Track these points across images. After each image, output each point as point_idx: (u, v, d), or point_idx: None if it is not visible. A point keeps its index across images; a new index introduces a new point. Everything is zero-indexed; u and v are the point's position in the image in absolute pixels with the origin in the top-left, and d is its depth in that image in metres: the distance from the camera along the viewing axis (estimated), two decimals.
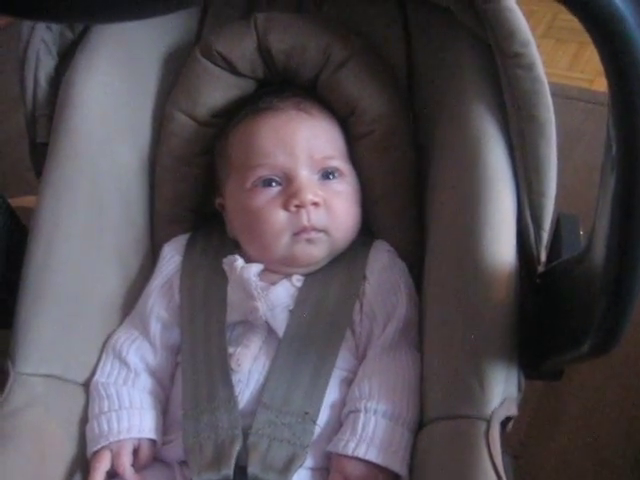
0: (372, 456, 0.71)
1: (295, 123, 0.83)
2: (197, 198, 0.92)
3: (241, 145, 0.84)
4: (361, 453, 0.72)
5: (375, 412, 0.74)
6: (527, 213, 0.75)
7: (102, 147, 0.84)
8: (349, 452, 0.72)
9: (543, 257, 0.78)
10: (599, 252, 0.56)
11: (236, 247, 0.87)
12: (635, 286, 0.53)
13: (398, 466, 0.72)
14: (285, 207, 0.80)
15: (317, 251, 0.82)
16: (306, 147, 0.82)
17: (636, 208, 0.49)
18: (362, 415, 0.74)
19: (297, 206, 0.79)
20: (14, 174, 1.28)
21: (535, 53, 0.71)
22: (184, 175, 0.90)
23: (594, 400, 1.22)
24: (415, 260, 0.86)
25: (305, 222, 0.80)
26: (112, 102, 0.85)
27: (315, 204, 0.80)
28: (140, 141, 0.89)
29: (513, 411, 0.71)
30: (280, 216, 0.80)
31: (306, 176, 0.80)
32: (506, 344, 0.71)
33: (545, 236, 0.77)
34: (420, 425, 0.75)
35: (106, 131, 0.85)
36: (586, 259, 0.62)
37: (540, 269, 0.78)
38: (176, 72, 0.91)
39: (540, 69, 0.72)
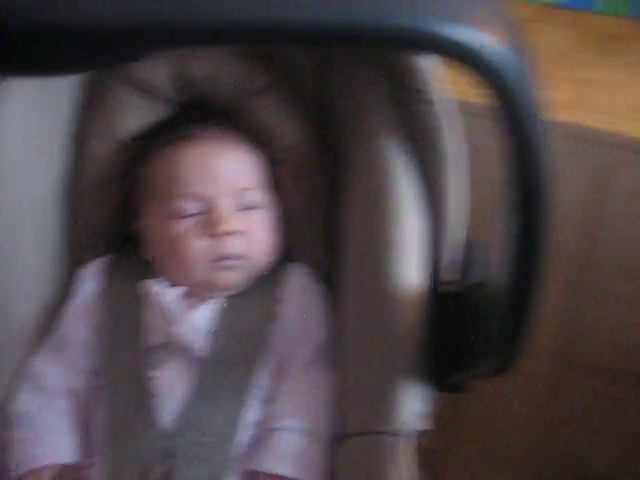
0: (290, 472, 0.75)
1: (217, 153, 0.85)
2: (115, 222, 0.92)
3: (162, 172, 0.86)
4: (279, 470, 0.75)
5: (292, 430, 0.77)
6: (432, 239, 0.80)
7: (18, 173, 0.83)
8: (268, 469, 0.75)
9: (449, 279, 0.83)
10: (500, 280, 0.61)
11: (153, 270, 0.88)
12: (531, 316, 0.58)
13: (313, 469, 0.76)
14: (206, 235, 0.81)
15: (235, 277, 0.84)
16: (227, 177, 0.84)
17: (536, 247, 0.54)
18: (280, 433, 0.77)
19: (215, 235, 0.81)
20: None
21: (435, 91, 0.76)
22: (102, 199, 0.90)
23: (498, 403, 1.28)
24: (331, 281, 0.89)
25: (223, 250, 0.82)
26: (29, 128, 0.84)
27: (233, 233, 0.82)
28: (57, 167, 0.89)
29: (422, 424, 0.76)
30: (199, 244, 0.82)
31: (226, 206, 0.83)
32: (414, 362, 0.75)
33: (446, 259, 0.82)
34: (339, 440, 0.79)
35: (22, 158, 0.84)
36: (488, 286, 0.68)
37: (446, 289, 0.83)
38: (90, 97, 0.91)
39: (440, 105, 0.76)
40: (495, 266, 0.67)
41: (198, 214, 0.83)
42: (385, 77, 0.80)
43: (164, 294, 0.82)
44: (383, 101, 0.81)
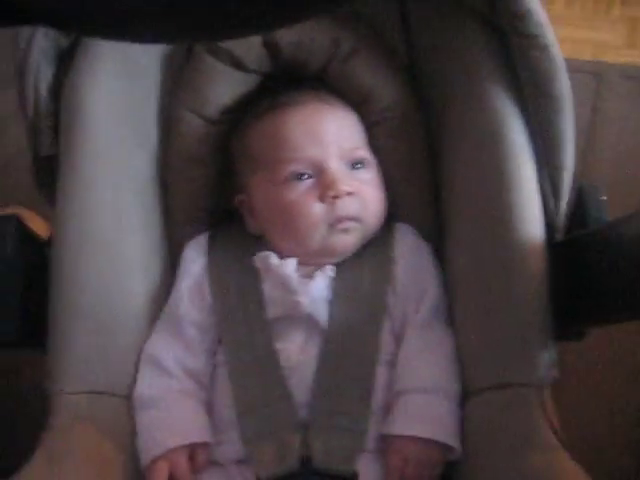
0: (426, 433, 0.74)
1: (321, 115, 0.84)
2: (211, 197, 0.91)
3: (266, 140, 0.84)
4: (415, 432, 0.75)
5: (421, 390, 0.77)
6: (546, 186, 0.79)
7: (117, 150, 0.83)
8: (404, 432, 0.75)
9: (561, 226, 0.82)
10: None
11: (257, 243, 0.87)
12: None
13: (452, 439, 0.75)
14: (320, 199, 0.81)
15: (352, 240, 0.83)
16: (334, 138, 0.83)
17: None
18: (410, 395, 0.77)
19: (334, 197, 0.80)
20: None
21: (549, 34, 0.75)
22: (197, 175, 0.89)
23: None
24: (436, 239, 0.88)
25: (341, 212, 0.81)
26: (118, 105, 0.83)
27: (349, 194, 0.81)
28: (149, 143, 0.88)
29: (553, 373, 0.76)
30: (316, 208, 0.81)
31: (337, 167, 0.82)
32: (545, 310, 0.75)
33: (563, 207, 0.82)
34: (465, 396, 0.78)
35: (118, 134, 0.83)
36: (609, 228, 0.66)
37: (559, 238, 0.82)
38: (177, 71, 0.89)
39: (555, 48, 0.75)
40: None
41: (309, 178, 0.82)
42: (488, 24, 0.79)
43: (284, 266, 0.82)
44: (488, 48, 0.80)
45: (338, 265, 0.84)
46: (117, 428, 0.78)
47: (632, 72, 1.51)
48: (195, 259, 0.87)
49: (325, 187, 0.81)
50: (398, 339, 0.82)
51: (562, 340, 0.84)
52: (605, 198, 0.80)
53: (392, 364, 0.80)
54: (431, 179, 0.89)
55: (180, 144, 0.88)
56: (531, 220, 0.77)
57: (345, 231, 0.82)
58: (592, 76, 1.51)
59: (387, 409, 0.78)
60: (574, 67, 1.58)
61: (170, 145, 0.89)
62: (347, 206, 0.81)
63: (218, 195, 0.91)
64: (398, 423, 0.76)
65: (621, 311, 0.70)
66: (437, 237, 0.88)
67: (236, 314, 0.82)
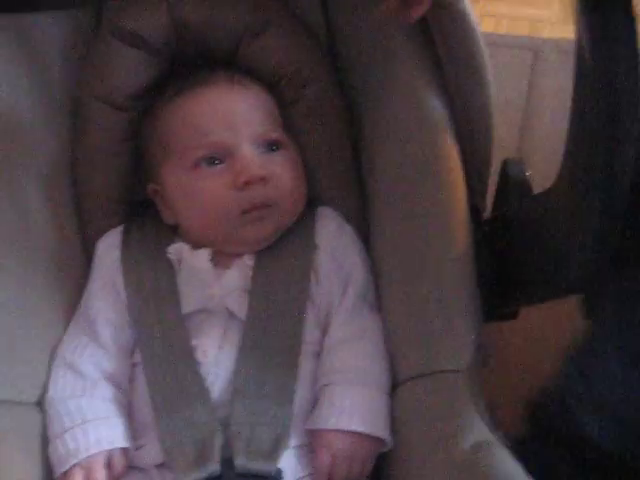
0: (355, 426, 0.71)
1: (232, 97, 0.79)
2: (125, 188, 0.86)
3: (176, 125, 0.80)
4: (344, 425, 0.71)
5: (350, 381, 0.74)
6: (470, 164, 0.77)
7: (16, 144, 0.78)
8: (332, 426, 0.71)
9: (485, 204, 0.80)
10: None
11: (174, 234, 0.83)
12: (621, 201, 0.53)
13: (382, 431, 0.72)
14: (232, 186, 0.76)
15: (268, 228, 0.79)
16: (246, 121, 0.78)
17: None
18: (337, 387, 0.73)
19: (245, 183, 0.76)
20: None
21: (466, 3, 0.72)
22: (109, 166, 0.85)
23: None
24: (360, 222, 0.85)
25: (254, 199, 0.77)
26: (19, 93, 0.78)
27: (263, 179, 0.77)
28: (55, 134, 0.83)
29: (480, 356, 0.73)
30: (228, 195, 0.76)
31: (250, 151, 0.77)
32: (470, 293, 0.73)
33: (487, 184, 0.79)
34: (394, 386, 0.75)
35: (17, 124, 0.78)
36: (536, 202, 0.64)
37: (484, 216, 0.80)
38: (80, 57, 0.84)
39: (472, 17, 0.72)
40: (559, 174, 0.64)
41: (221, 164, 0.78)
42: None
43: (197, 257, 0.78)
44: (406, 28, 0.76)
45: (258, 253, 0.80)
46: (28, 438, 0.73)
47: (567, 47, 1.49)
48: (108, 254, 0.82)
49: (236, 173, 0.76)
50: (323, 329, 0.78)
51: (495, 320, 0.83)
52: (530, 173, 0.78)
53: (317, 355, 0.77)
54: (352, 161, 0.86)
55: (88, 133, 0.84)
56: (454, 200, 0.75)
57: (260, 219, 0.78)
58: (529, 52, 1.50)
59: (313, 403, 0.74)
60: (511, 43, 1.57)
61: (78, 135, 0.84)
62: (260, 192, 0.77)
63: (132, 186, 0.87)
64: (325, 417, 0.72)
65: (545, 289, 0.67)
66: (361, 220, 0.85)
67: (150, 310, 0.78)
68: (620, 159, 0.49)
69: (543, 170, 0.80)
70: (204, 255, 0.78)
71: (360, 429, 0.71)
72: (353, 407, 0.72)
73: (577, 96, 0.54)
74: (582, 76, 0.52)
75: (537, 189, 0.76)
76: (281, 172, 0.79)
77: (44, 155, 0.82)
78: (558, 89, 1.43)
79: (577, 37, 0.53)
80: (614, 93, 0.48)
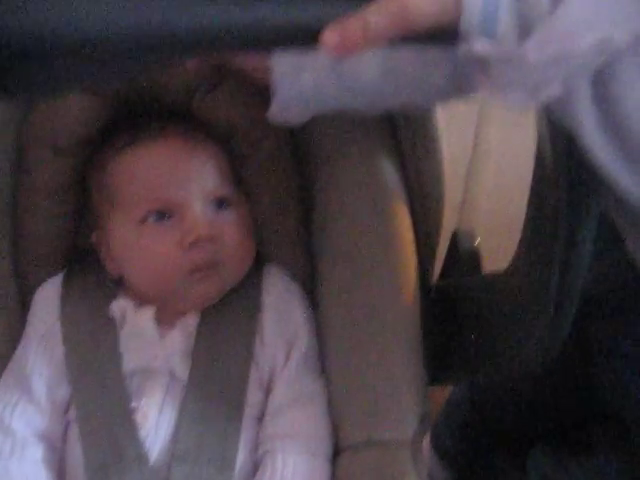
0: None
1: (183, 153, 0.77)
2: (68, 235, 0.83)
3: (126, 177, 0.77)
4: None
5: (292, 449, 0.72)
6: (420, 231, 0.77)
7: None
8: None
9: (435, 272, 0.81)
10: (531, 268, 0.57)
11: (117, 285, 0.80)
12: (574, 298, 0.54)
13: None
14: (179, 244, 0.74)
15: (214, 287, 0.77)
16: (196, 178, 0.76)
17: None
18: (279, 454, 0.72)
19: (193, 242, 0.74)
20: None
21: None
22: (52, 212, 0.81)
23: None
24: (306, 280, 0.84)
25: (200, 260, 0.75)
26: None
27: (211, 238, 0.75)
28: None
29: (425, 426, 0.73)
30: (175, 253, 0.74)
31: (199, 209, 0.75)
32: (417, 367, 0.73)
33: (437, 249, 0.80)
34: (335, 452, 0.75)
35: None
36: (514, 275, 0.64)
37: (433, 284, 0.80)
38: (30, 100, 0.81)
39: None
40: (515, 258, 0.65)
41: (169, 220, 0.75)
42: None
43: (141, 316, 0.75)
44: None
45: (203, 312, 0.78)
46: None
47: None
48: (46, 305, 0.79)
49: (184, 232, 0.74)
50: (266, 392, 0.77)
51: (439, 384, 0.83)
52: (479, 240, 0.79)
53: (257, 418, 0.75)
54: (302, 218, 0.85)
55: (31, 178, 0.80)
56: (403, 264, 0.75)
57: (206, 278, 0.76)
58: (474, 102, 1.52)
59: (254, 468, 0.73)
60: None
61: (21, 178, 0.81)
62: (208, 251, 0.75)
63: (74, 233, 0.84)
64: None
65: (489, 367, 0.68)
66: (308, 278, 0.84)
67: (90, 367, 0.75)
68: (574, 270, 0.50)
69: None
70: (148, 314, 0.75)
71: None
72: (295, 476, 0.71)
73: (534, 189, 0.55)
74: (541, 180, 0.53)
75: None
76: (230, 231, 0.77)
77: None
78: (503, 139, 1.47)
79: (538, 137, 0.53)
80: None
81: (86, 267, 0.83)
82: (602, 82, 0.40)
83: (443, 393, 1.11)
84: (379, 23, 0.39)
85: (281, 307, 0.80)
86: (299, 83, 0.65)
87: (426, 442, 1.09)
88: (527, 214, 0.58)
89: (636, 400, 0.72)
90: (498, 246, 0.69)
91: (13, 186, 0.81)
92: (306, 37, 0.39)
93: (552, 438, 0.87)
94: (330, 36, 0.39)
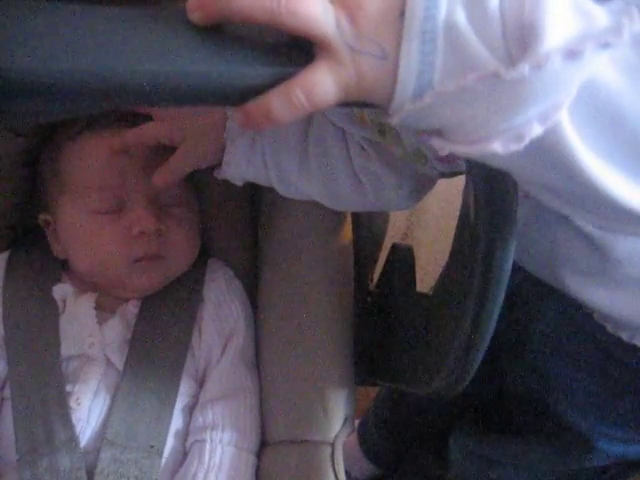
0: None
1: (136, 146, 0.78)
2: (18, 214, 0.84)
3: (76, 164, 0.78)
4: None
5: (221, 441, 0.75)
6: (358, 241, 0.80)
7: None
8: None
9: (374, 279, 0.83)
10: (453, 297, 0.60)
11: (62, 268, 0.82)
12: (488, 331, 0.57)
13: None
14: (127, 234, 0.76)
15: (157, 277, 0.79)
16: (148, 172, 0.77)
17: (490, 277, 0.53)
18: (207, 445, 0.75)
19: (139, 233, 0.75)
20: None
21: None
22: (2, 189, 0.82)
23: None
24: (249, 277, 0.86)
25: (144, 251, 0.76)
26: None
27: (157, 231, 0.77)
28: None
29: (352, 428, 0.76)
30: (121, 243, 0.76)
31: (144, 202, 0.77)
32: (345, 368, 0.76)
33: (377, 258, 0.82)
34: (261, 445, 0.78)
35: None
36: (435, 299, 0.67)
37: (371, 288, 0.83)
38: None
39: None
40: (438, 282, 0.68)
41: (115, 211, 0.77)
42: None
43: (81, 302, 0.77)
44: None
45: (144, 300, 0.80)
46: None
47: None
48: None
49: (131, 222, 0.76)
50: (201, 383, 0.79)
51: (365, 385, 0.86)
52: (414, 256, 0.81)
53: (189, 408, 0.78)
54: (249, 216, 0.87)
55: None
56: (340, 270, 0.78)
57: (149, 268, 0.78)
58: None
59: (179, 456, 0.76)
60: None
61: None
62: (153, 244, 0.77)
63: (21, 212, 0.84)
64: (195, 474, 0.73)
65: (408, 381, 0.71)
66: (252, 275, 0.86)
67: (28, 347, 0.76)
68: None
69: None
70: (88, 301, 0.77)
71: None
72: (221, 466, 0.74)
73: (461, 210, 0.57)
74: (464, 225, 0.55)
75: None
76: (176, 226, 0.79)
77: None
78: None
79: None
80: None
81: (32, 247, 0.84)
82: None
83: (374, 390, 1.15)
84: (281, 110, 0.38)
85: (221, 301, 0.82)
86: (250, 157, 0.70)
87: (354, 438, 1.14)
88: (453, 240, 0.61)
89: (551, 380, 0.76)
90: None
91: None
92: (221, 96, 0.39)
93: (472, 421, 0.91)
94: (238, 116, 0.40)
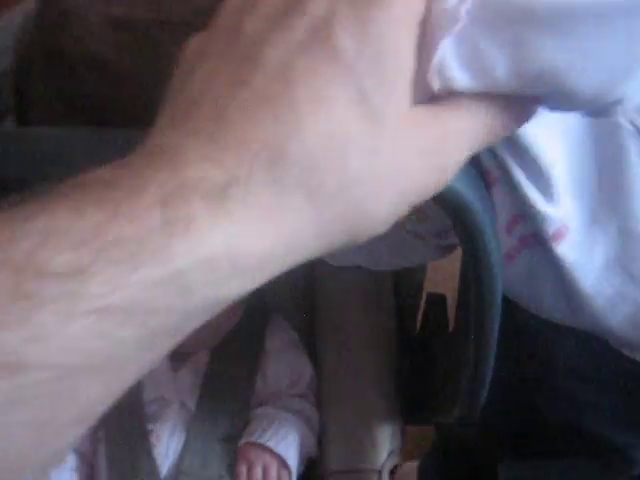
0: (271, 444, 0.84)
1: None
2: None
3: None
4: (261, 440, 0.84)
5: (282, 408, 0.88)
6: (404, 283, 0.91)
7: None
8: (253, 440, 0.85)
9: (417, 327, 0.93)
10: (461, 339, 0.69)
11: None
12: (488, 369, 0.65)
13: (290, 456, 0.84)
14: None
15: (203, 336, 0.89)
16: None
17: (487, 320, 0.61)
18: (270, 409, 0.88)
19: None
20: None
21: None
22: None
23: None
24: (306, 329, 0.98)
25: None
26: None
27: None
28: None
29: (398, 460, 0.85)
30: None
31: None
32: (391, 407, 0.86)
33: (418, 307, 0.92)
34: (322, 477, 0.87)
35: None
36: (447, 338, 0.76)
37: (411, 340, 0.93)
38: None
39: None
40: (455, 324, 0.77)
41: None
42: None
43: None
44: None
45: (212, 352, 0.92)
46: None
47: None
48: None
49: None
50: None
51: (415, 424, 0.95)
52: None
53: None
54: (307, 272, 0.99)
55: None
56: (384, 321, 0.89)
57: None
58: None
59: None
60: None
61: None
62: None
63: None
64: (252, 433, 0.85)
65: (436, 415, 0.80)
66: (308, 327, 0.98)
67: None
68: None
69: None
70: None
71: (272, 446, 0.84)
72: (277, 431, 0.85)
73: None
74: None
75: None
76: None
77: None
78: None
79: None
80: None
81: None
82: None
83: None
84: None
85: (283, 354, 0.94)
86: None
87: (412, 473, 1.20)
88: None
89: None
90: None
91: None
92: None
93: (516, 451, 0.97)
94: None
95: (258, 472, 0.83)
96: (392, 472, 0.84)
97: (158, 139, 0.29)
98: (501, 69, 0.30)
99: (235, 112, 0.28)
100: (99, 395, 0.27)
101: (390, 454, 0.83)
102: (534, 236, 0.61)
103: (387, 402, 0.86)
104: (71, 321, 0.24)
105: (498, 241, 0.52)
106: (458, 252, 0.58)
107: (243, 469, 0.84)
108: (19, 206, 0.25)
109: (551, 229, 0.59)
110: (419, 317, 0.93)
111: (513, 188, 0.56)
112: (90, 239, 0.24)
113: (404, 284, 0.93)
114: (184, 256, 0.26)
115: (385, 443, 0.83)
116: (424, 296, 0.92)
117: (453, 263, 0.66)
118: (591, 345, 0.78)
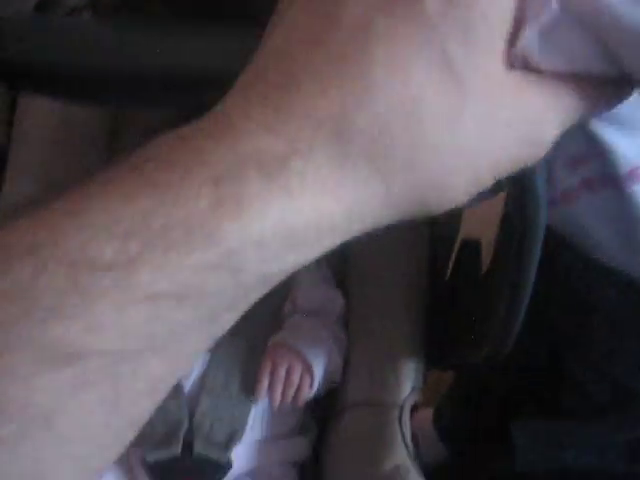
0: (299, 346, 0.86)
1: None
2: None
3: None
4: (289, 342, 0.86)
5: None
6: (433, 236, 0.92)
7: None
8: (278, 340, 0.87)
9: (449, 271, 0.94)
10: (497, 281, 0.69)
11: None
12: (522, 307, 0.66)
13: (316, 364, 0.86)
14: None
15: None
16: None
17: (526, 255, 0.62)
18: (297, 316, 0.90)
19: None
20: None
21: None
22: None
23: None
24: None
25: None
26: None
27: None
28: None
29: (418, 398, 0.87)
30: None
31: None
32: (417, 343, 0.87)
33: (452, 251, 0.93)
34: (342, 408, 0.89)
35: None
36: (479, 282, 0.77)
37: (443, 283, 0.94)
38: None
39: None
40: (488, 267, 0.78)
41: None
42: None
43: None
44: None
45: None
46: None
47: None
48: None
49: None
50: None
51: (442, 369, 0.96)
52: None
53: None
54: None
55: None
56: (418, 267, 0.91)
57: None
58: None
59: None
60: None
61: None
62: None
63: None
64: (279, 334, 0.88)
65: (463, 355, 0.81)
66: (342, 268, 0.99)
67: None
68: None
69: None
70: None
71: (298, 347, 0.86)
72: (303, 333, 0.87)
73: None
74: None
75: None
76: None
77: None
78: None
79: None
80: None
81: None
82: None
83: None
84: None
85: (314, 287, 0.94)
86: None
87: (429, 420, 1.22)
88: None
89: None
90: None
91: None
92: None
93: (534, 407, 0.99)
94: None
95: (281, 371, 0.84)
96: (412, 410, 0.86)
97: (228, 102, 0.28)
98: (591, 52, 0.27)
99: (305, 78, 0.27)
100: (163, 372, 0.28)
101: (412, 390, 0.84)
102: (601, 178, 0.60)
103: (413, 341, 0.87)
104: (125, 309, 0.25)
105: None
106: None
107: (267, 367, 0.85)
108: (74, 194, 0.26)
109: (624, 169, 0.58)
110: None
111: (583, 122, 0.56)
112: (139, 228, 0.25)
113: (439, 230, 0.93)
114: (235, 236, 0.25)
115: (409, 378, 0.84)
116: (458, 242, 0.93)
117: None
118: (631, 297, 0.78)
